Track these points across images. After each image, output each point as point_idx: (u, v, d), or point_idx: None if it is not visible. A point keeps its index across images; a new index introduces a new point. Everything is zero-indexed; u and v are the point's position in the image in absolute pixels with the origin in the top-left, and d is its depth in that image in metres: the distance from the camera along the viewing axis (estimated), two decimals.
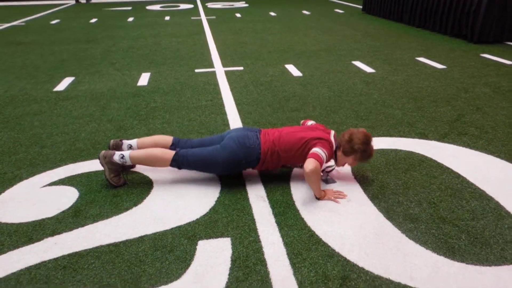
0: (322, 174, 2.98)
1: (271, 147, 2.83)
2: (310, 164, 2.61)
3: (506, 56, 6.44)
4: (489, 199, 2.71)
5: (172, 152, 2.89)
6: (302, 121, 3.31)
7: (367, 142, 2.79)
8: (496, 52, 6.67)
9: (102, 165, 2.92)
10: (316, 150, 2.71)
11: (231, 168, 2.88)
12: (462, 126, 3.85)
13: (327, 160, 2.78)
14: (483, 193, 2.77)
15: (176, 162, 2.88)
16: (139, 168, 3.17)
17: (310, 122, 3.17)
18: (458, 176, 3.00)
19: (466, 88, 4.96)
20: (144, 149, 2.99)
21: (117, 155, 2.89)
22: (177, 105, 4.58)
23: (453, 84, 5.11)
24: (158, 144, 3.06)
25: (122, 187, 2.93)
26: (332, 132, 2.94)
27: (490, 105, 4.38)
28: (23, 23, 11.17)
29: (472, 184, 2.89)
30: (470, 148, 3.42)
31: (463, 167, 3.11)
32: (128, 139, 3.40)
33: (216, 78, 5.63)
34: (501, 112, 4.18)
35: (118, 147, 3.12)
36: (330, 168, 3.06)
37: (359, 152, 2.78)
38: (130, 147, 3.12)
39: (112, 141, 3.15)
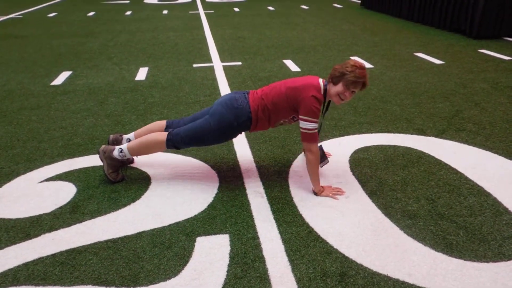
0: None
1: (260, 103, 2.74)
2: (308, 151, 2.65)
3: (504, 51, 6.43)
4: (487, 195, 2.71)
5: (166, 133, 2.85)
6: None
7: (356, 65, 2.62)
8: (495, 48, 6.66)
9: (102, 160, 2.91)
10: (305, 125, 2.62)
11: (225, 133, 2.79)
12: (460, 122, 3.85)
13: (320, 104, 2.66)
14: (481, 189, 2.78)
15: (172, 142, 2.82)
16: (137, 164, 3.16)
17: None
18: (456, 172, 3.00)
19: (465, 83, 4.96)
20: (139, 138, 2.97)
21: (116, 150, 2.88)
22: (175, 100, 4.56)
23: (451, 80, 5.11)
24: (153, 130, 3.01)
25: (120, 182, 2.92)
26: (321, 79, 2.78)
27: (488, 101, 4.38)
28: (20, 16, 11.10)
29: (470, 180, 2.89)
30: (468, 144, 3.42)
31: (461, 163, 3.11)
32: (127, 134, 3.39)
33: (214, 73, 5.61)
34: (499, 108, 4.18)
35: (118, 142, 3.10)
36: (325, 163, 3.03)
37: (347, 74, 2.58)
38: (129, 140, 3.11)
39: (111, 135, 3.13)
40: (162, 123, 3.05)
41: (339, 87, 2.64)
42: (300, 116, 2.67)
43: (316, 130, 2.67)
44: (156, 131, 3.00)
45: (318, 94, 2.65)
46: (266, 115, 2.76)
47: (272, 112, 2.75)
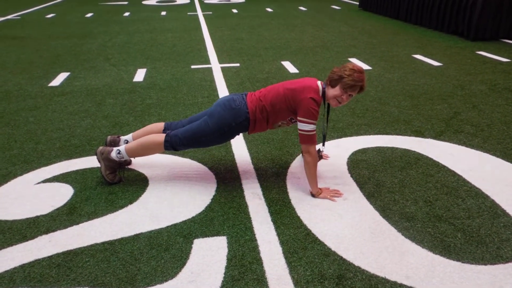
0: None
1: (258, 104, 2.75)
2: (306, 153, 2.65)
3: (502, 53, 6.45)
4: (485, 197, 2.71)
5: (164, 135, 2.84)
6: None
7: (354, 68, 2.62)
8: (492, 50, 6.67)
9: (99, 161, 2.90)
10: (303, 126, 2.63)
11: (223, 134, 2.78)
12: (458, 124, 3.85)
13: (318, 106, 2.66)
14: (478, 191, 2.78)
15: (170, 143, 2.82)
16: (134, 165, 3.16)
17: None
18: (454, 174, 3.00)
19: (462, 85, 4.97)
20: (137, 139, 2.96)
21: (114, 152, 2.87)
22: (173, 102, 4.56)
23: (449, 82, 5.11)
24: (151, 132, 3.01)
25: (117, 184, 2.91)
26: (320, 81, 2.78)
27: (486, 103, 4.38)
28: (18, 17, 11.08)
29: (468, 182, 2.89)
30: (466, 146, 3.42)
31: (459, 165, 3.11)
32: (124, 135, 3.38)
33: (213, 75, 5.60)
34: (497, 110, 4.18)
35: (116, 144, 3.09)
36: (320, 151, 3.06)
37: (345, 77, 2.58)
38: (126, 142, 3.10)
39: (109, 137, 3.12)
40: (160, 125, 3.04)
41: (336, 90, 2.65)
42: (298, 118, 2.67)
43: (314, 132, 2.66)
44: (154, 132, 3.00)
45: (317, 96, 2.65)
46: (264, 116, 2.76)
47: (270, 113, 2.75)
